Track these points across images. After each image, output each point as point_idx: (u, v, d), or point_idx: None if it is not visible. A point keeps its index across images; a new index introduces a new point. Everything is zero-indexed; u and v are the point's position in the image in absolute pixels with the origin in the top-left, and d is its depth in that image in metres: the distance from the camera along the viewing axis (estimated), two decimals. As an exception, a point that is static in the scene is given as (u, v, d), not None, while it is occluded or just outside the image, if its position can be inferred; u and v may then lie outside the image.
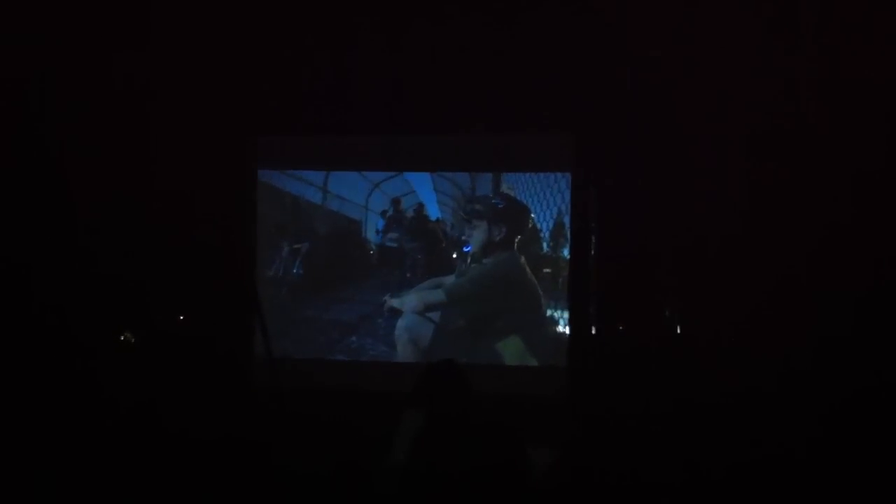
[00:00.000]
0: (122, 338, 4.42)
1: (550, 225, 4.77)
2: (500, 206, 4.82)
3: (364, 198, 5.00)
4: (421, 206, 4.96)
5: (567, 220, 4.71)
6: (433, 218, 4.95)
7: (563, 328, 4.68)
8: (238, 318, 4.63)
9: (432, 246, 4.94)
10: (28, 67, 4.41)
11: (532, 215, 4.78)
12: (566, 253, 4.72)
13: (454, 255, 4.91)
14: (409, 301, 4.92)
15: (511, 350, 4.77)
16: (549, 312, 4.73)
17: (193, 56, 4.54)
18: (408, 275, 4.95)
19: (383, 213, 5.00)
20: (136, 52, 4.44)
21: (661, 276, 4.24)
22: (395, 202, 4.99)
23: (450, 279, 4.90)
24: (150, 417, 3.60)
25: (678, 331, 4.13)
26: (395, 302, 4.94)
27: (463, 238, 4.89)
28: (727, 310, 4.03)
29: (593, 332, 4.45)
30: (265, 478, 2.88)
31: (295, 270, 5.03)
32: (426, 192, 4.96)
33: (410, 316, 4.91)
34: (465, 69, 4.48)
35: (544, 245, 4.78)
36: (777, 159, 4.00)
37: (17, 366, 3.94)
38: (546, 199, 4.78)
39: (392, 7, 4.53)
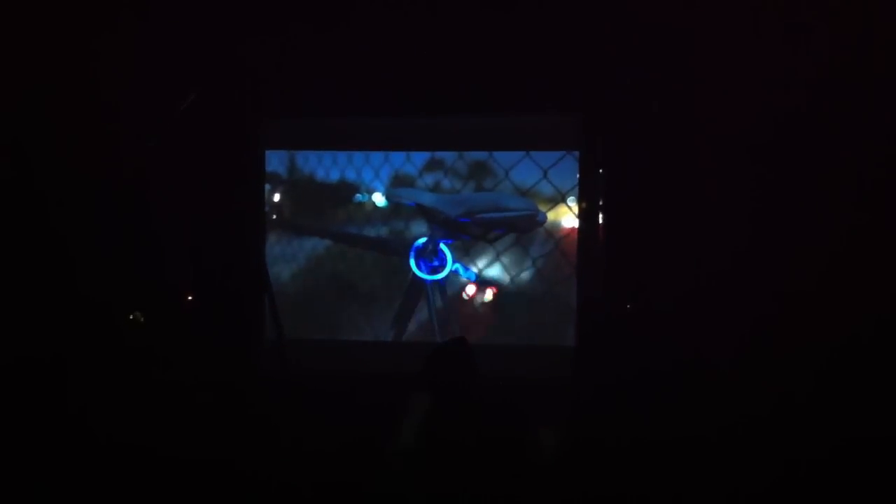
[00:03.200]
0: (131, 317, 4.43)
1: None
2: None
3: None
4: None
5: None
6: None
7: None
8: (248, 300, 4.64)
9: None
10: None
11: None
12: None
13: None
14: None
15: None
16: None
17: (197, 38, 4.50)
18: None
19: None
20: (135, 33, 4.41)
21: (668, 255, 4.23)
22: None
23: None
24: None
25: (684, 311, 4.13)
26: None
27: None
28: (733, 294, 4.02)
29: (601, 311, 4.43)
30: (273, 459, 2.92)
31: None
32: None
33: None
34: (471, 49, 4.43)
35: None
36: (785, 147, 3.98)
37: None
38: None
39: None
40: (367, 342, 4.88)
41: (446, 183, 4.84)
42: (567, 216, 4.71)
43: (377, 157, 4.92)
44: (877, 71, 3.75)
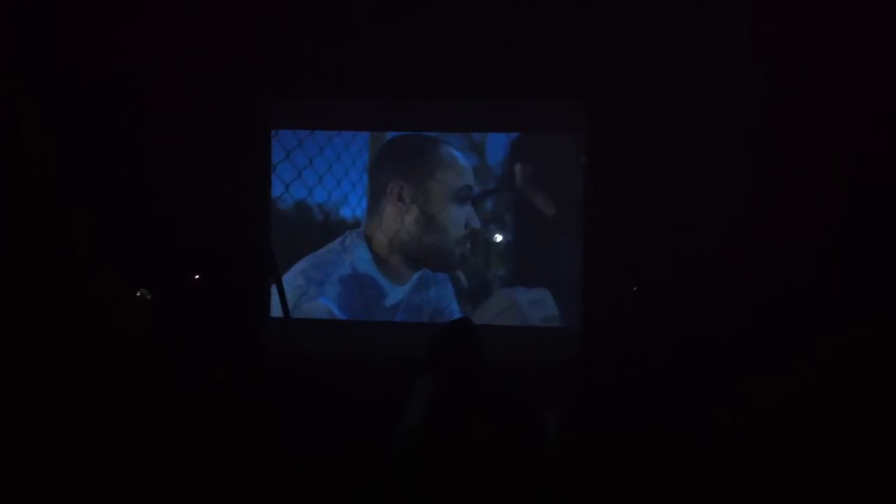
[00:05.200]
0: (138, 294, 4.29)
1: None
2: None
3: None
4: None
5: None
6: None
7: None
8: (254, 278, 4.58)
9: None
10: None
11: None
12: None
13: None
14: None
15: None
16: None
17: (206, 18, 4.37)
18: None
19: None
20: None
21: (671, 238, 4.25)
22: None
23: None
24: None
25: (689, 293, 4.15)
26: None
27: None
28: (735, 278, 4.06)
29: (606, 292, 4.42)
30: (278, 439, 2.82)
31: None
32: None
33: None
34: (477, 34, 4.39)
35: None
36: (784, 135, 4.04)
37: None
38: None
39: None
40: (372, 322, 4.81)
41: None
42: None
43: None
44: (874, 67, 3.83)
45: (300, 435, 2.94)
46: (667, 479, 2.67)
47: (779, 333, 3.80)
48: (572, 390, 3.73)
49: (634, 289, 4.26)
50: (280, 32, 4.50)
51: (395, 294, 4.83)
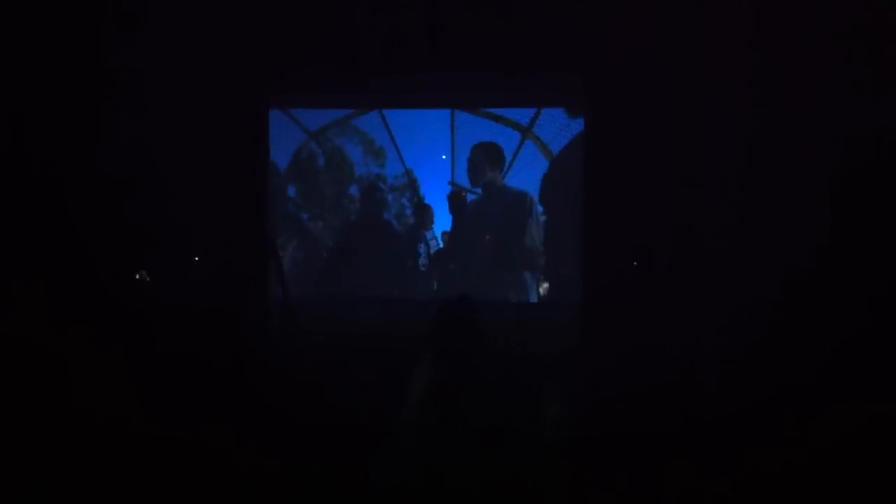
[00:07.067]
0: (137, 276, 4.42)
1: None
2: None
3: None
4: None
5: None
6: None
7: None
8: (253, 258, 4.62)
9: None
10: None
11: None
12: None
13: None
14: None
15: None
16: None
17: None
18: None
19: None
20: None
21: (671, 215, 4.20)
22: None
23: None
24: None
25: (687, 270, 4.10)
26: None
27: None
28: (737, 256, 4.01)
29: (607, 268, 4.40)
30: (279, 420, 2.89)
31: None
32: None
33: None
34: (474, 7, 4.34)
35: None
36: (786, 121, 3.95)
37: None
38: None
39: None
40: (375, 298, 4.90)
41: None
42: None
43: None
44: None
45: (300, 427, 2.98)
46: (668, 475, 2.66)
47: (778, 328, 3.72)
48: (575, 381, 3.69)
49: (634, 263, 4.20)
50: (274, 12, 4.49)
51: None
